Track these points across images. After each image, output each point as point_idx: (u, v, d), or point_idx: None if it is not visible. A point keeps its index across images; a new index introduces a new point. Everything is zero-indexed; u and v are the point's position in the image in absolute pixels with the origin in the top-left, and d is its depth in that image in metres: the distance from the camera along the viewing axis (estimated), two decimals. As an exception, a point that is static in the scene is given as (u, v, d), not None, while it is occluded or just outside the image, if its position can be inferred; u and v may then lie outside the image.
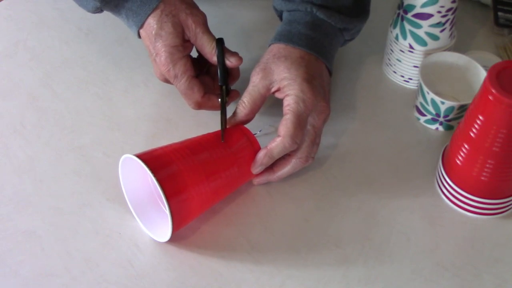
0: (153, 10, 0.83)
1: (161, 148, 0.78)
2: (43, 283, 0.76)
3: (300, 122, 0.80)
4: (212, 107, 0.86)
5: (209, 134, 0.82)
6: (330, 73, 0.89)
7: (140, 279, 0.77)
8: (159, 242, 0.79)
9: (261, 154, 0.81)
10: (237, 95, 0.87)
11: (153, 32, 0.83)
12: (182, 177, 0.75)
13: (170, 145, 0.79)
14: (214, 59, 0.86)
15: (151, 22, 0.84)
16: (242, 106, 0.83)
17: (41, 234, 0.80)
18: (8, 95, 0.95)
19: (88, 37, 1.03)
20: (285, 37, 0.86)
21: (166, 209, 0.73)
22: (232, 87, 0.88)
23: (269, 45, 0.87)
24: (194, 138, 0.81)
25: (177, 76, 0.84)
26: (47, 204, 0.83)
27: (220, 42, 0.86)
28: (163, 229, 0.77)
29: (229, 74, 0.87)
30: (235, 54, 0.86)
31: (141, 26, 0.85)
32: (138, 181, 0.81)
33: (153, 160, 0.75)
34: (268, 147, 0.81)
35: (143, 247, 0.79)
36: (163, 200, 0.73)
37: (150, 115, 0.93)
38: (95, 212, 0.82)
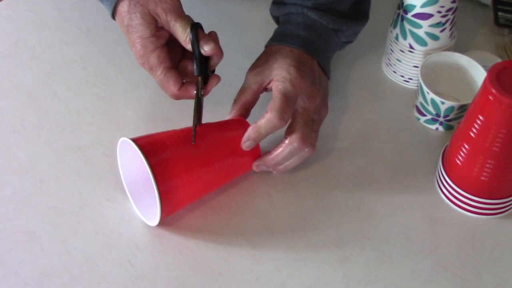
0: None
1: (158, 134, 0.79)
2: (43, 283, 0.76)
3: (287, 99, 0.80)
4: (192, 98, 0.83)
5: (207, 123, 0.82)
6: (328, 76, 0.89)
7: (140, 279, 0.77)
8: (159, 242, 0.79)
9: (249, 129, 0.81)
10: (217, 80, 0.82)
11: (125, 23, 0.80)
12: (174, 163, 0.76)
13: (168, 132, 0.80)
14: (189, 46, 0.79)
15: (122, 12, 0.80)
16: (234, 103, 0.85)
17: (41, 234, 0.80)
18: (8, 95, 0.95)
19: (88, 37, 1.03)
20: (278, 38, 0.88)
21: (155, 193, 0.74)
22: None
23: (265, 47, 0.89)
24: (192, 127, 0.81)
25: (152, 68, 0.81)
26: (47, 204, 0.83)
27: (195, 27, 0.78)
28: (155, 213, 0.77)
29: (208, 61, 0.80)
30: (210, 41, 0.79)
31: (114, 13, 0.82)
32: (135, 165, 0.81)
33: (148, 145, 0.76)
34: (256, 123, 0.80)
35: (143, 247, 0.79)
36: (153, 184, 0.73)
37: (150, 115, 0.93)
38: (95, 212, 0.82)
